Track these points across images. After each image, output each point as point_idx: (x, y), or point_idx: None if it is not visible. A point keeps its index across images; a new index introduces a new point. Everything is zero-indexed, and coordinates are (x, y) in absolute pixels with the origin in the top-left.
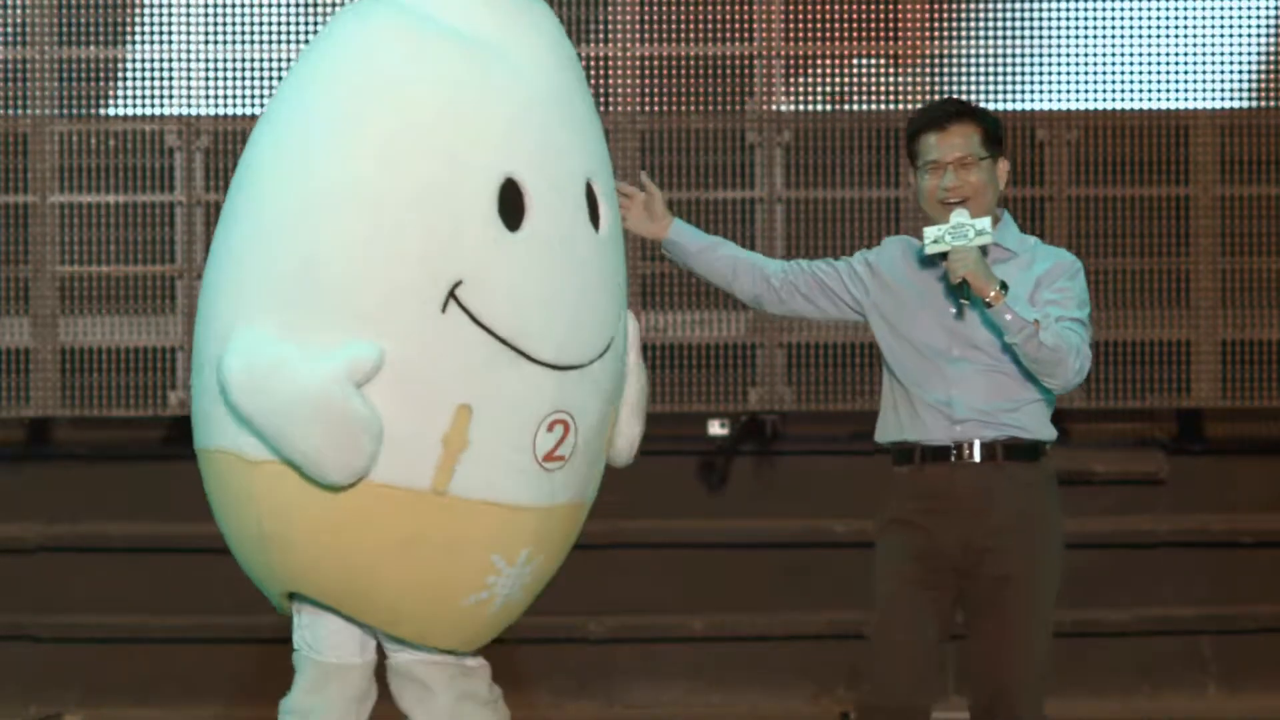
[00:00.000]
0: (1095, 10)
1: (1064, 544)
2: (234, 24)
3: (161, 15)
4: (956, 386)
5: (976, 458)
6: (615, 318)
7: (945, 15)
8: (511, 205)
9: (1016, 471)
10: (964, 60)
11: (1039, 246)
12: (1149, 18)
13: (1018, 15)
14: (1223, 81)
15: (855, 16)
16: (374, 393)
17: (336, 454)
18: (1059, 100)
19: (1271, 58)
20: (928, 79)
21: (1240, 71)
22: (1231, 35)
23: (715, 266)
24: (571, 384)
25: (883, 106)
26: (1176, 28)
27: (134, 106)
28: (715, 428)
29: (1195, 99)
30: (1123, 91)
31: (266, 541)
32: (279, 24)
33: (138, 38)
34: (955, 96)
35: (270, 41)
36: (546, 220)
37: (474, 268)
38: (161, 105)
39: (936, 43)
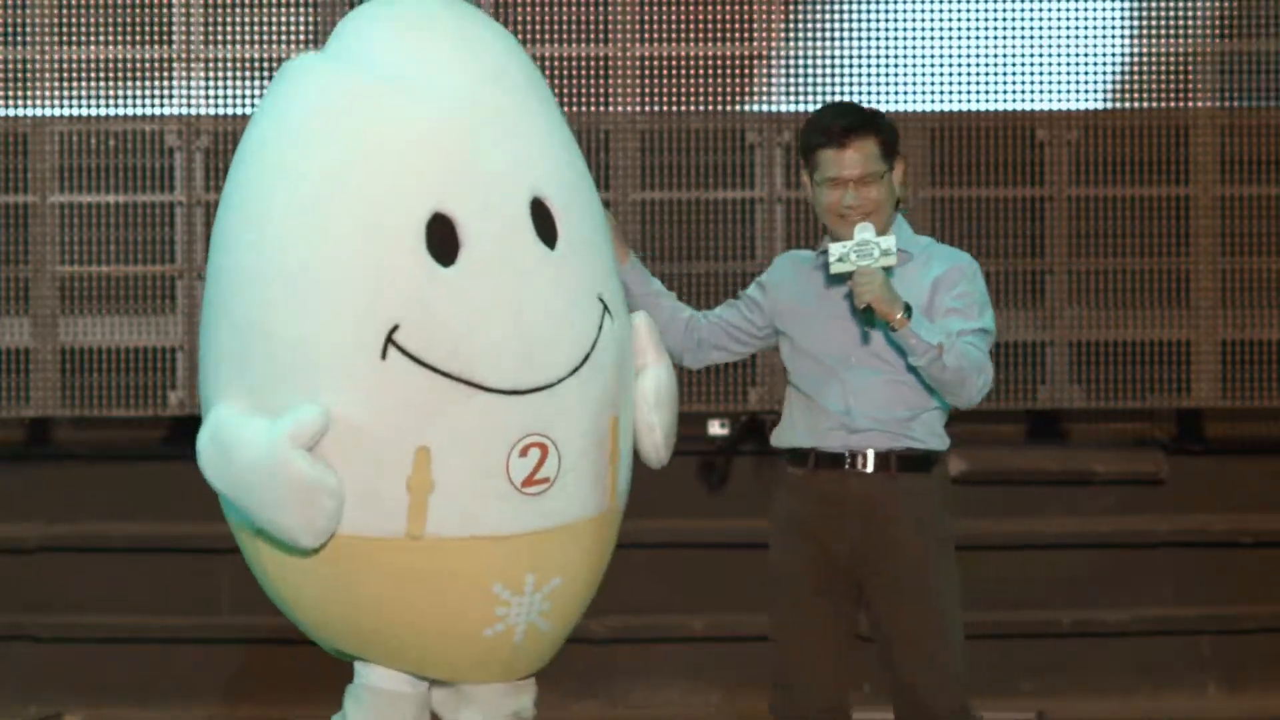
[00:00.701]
0: (1096, 10)
1: (955, 547)
2: (234, 24)
3: (161, 15)
4: (855, 395)
5: (870, 467)
6: (589, 329)
7: (945, 15)
8: (442, 240)
9: (908, 482)
10: (964, 60)
11: (933, 246)
12: (1149, 17)
13: (1018, 15)
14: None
15: (855, 16)
16: (329, 450)
17: (296, 519)
18: (1059, 100)
19: (1272, 58)
20: (928, 79)
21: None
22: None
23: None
24: (540, 405)
25: (882, 106)
26: (1178, 27)
27: (134, 106)
28: (715, 428)
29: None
30: (1124, 91)
31: (282, 605)
32: (279, 24)
33: (138, 38)
34: (848, 101)
35: (270, 41)
36: (483, 248)
37: (409, 309)
38: (161, 105)
39: (936, 42)
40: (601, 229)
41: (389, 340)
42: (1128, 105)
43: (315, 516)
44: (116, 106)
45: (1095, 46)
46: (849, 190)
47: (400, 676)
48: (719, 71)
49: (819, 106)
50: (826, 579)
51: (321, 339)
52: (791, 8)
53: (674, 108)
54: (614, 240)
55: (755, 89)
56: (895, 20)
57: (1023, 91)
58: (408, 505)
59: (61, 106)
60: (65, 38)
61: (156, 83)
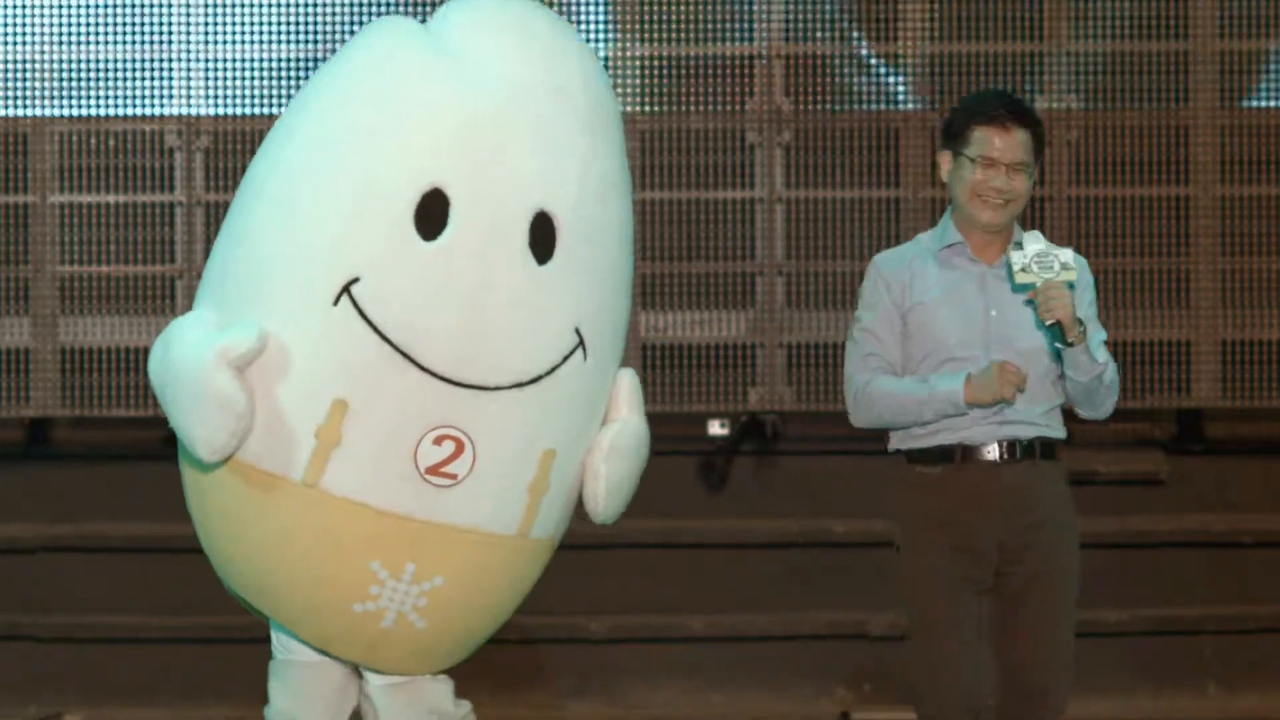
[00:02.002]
0: (1095, 9)
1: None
2: (234, 24)
3: (161, 15)
4: None
5: (1018, 456)
6: (551, 354)
7: (945, 14)
8: (433, 215)
9: (1049, 470)
10: (964, 60)
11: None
12: (1149, 17)
13: (1018, 15)
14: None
15: (855, 16)
16: (257, 374)
17: (201, 429)
18: (1059, 100)
19: (1271, 58)
20: (928, 78)
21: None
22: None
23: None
24: (469, 403)
25: (883, 106)
26: (1178, 27)
27: (134, 106)
28: (715, 428)
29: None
30: (1124, 91)
31: (199, 534)
32: (279, 24)
33: (138, 38)
34: (1008, 93)
35: (270, 41)
36: (469, 237)
37: (375, 268)
38: (161, 105)
39: (936, 43)
40: (610, 271)
41: (345, 289)
42: (1128, 105)
43: (216, 433)
44: (116, 106)
45: (1095, 46)
46: (1001, 173)
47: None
48: (719, 71)
49: (823, 108)
50: (972, 573)
51: (287, 268)
52: (792, 7)
53: (674, 108)
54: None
55: (755, 89)
56: (895, 20)
57: (1023, 92)
58: (312, 450)
59: (61, 106)
60: (65, 38)
61: (156, 83)
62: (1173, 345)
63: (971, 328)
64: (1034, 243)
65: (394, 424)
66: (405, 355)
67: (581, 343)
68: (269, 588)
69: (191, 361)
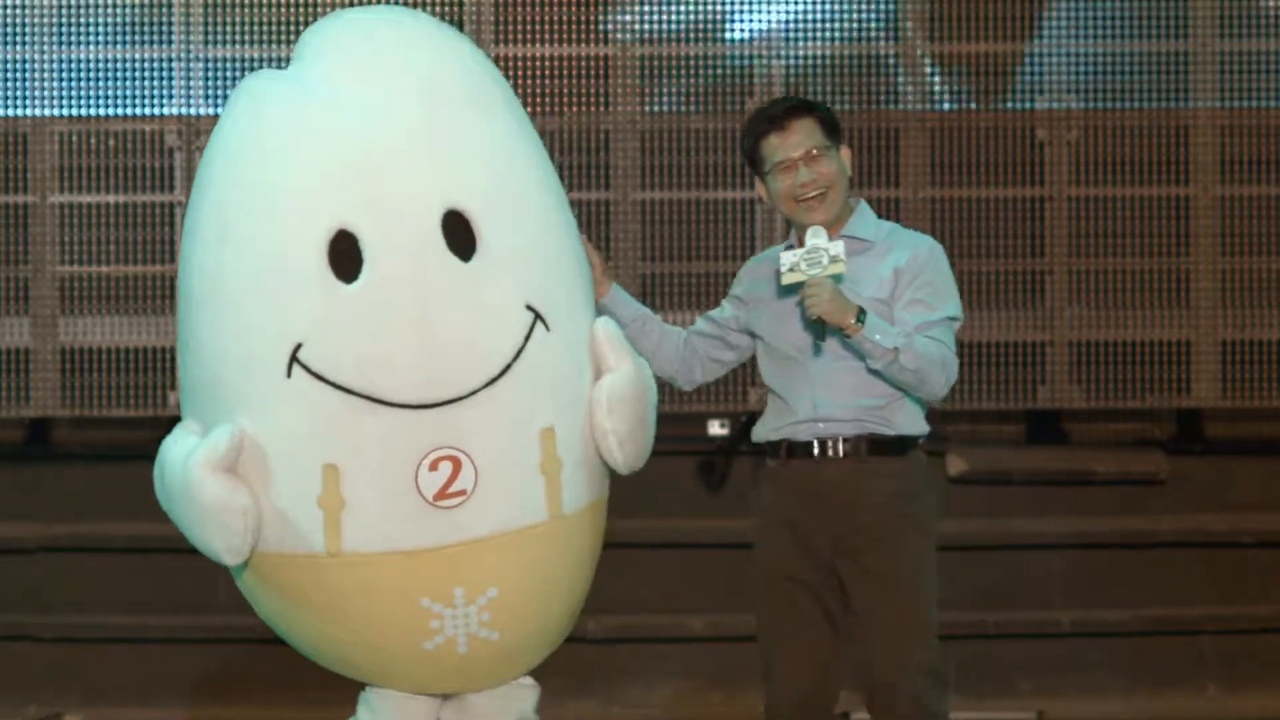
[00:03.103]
0: (1095, 9)
1: (937, 538)
2: (234, 24)
3: (161, 15)
4: (821, 386)
5: (841, 454)
6: (510, 339)
7: (945, 14)
8: (346, 256)
9: (879, 465)
10: (964, 60)
11: (897, 233)
12: (1149, 17)
13: (1018, 14)
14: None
15: (855, 16)
16: (246, 469)
17: (214, 538)
18: (1059, 100)
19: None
20: (928, 78)
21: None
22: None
23: (639, 343)
24: (451, 418)
25: (882, 106)
26: (1178, 27)
27: (134, 106)
28: (715, 428)
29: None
30: (1124, 91)
31: (282, 635)
32: (279, 24)
33: (138, 38)
34: (777, 97)
35: (270, 41)
36: (387, 264)
37: (312, 327)
38: (161, 105)
39: (936, 43)
40: (544, 238)
41: (293, 358)
42: (1128, 105)
43: (230, 536)
44: (116, 106)
45: (1095, 46)
46: (800, 169)
47: None
48: (719, 72)
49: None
50: (808, 570)
51: (232, 358)
52: (791, 8)
53: (674, 108)
54: (594, 272)
55: (755, 89)
56: (895, 20)
57: (1023, 92)
58: (322, 522)
59: (61, 106)
60: (65, 38)
61: (156, 83)
62: (1172, 345)
63: (798, 325)
64: (814, 237)
65: (387, 467)
66: (372, 399)
67: (538, 316)
68: (346, 656)
69: (181, 479)
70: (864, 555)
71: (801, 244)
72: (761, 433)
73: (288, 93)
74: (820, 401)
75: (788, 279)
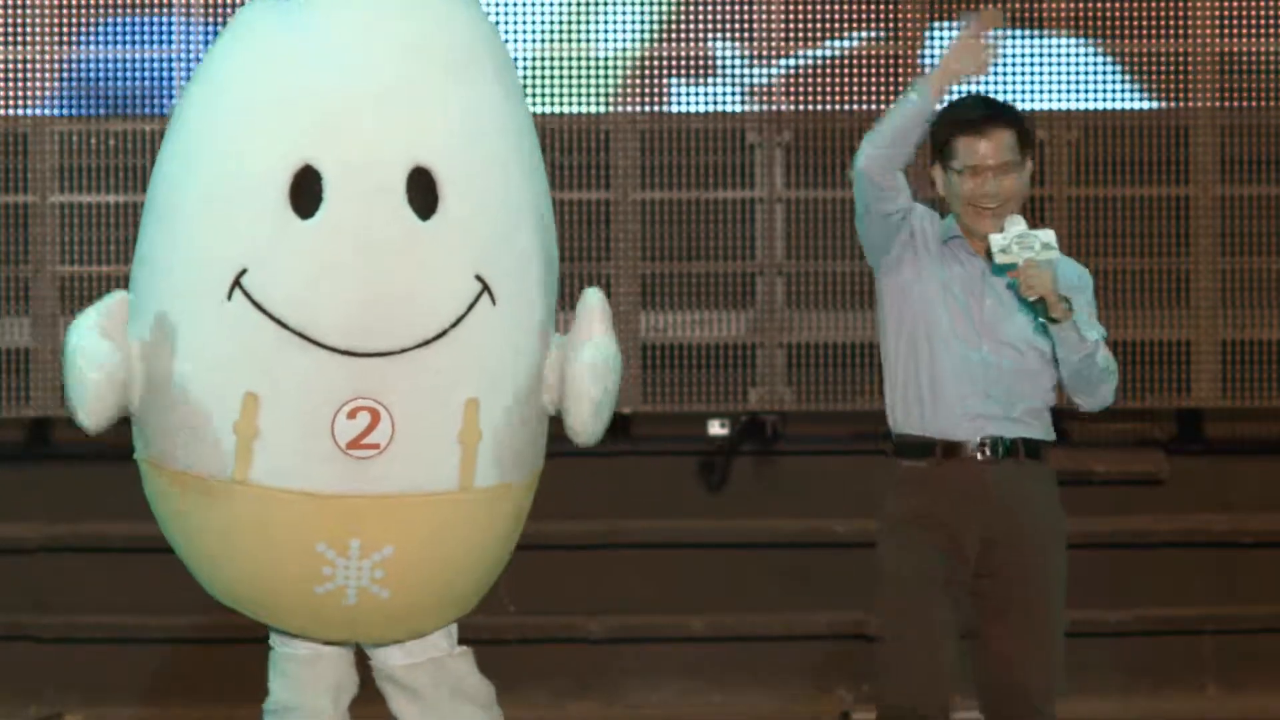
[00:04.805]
0: (1096, 9)
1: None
2: None
3: (162, 15)
4: (984, 383)
5: (1001, 455)
6: (453, 305)
7: (945, 14)
8: (307, 192)
9: (1035, 470)
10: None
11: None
12: (1149, 17)
13: (1018, 14)
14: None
15: (855, 15)
16: (170, 381)
17: (72, 388)
18: (1059, 100)
19: (1271, 58)
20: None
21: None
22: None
23: (916, 134)
24: (377, 371)
25: (883, 106)
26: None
27: (134, 106)
28: (715, 428)
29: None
30: (1124, 91)
31: (179, 555)
32: None
33: (137, 38)
34: (984, 95)
35: None
36: (344, 207)
37: (260, 255)
38: (162, 105)
39: (936, 42)
40: (507, 212)
41: (236, 283)
42: (1128, 105)
43: (83, 389)
44: (116, 106)
45: (1097, 46)
46: (989, 179)
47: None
48: (719, 75)
49: (823, 108)
50: (950, 573)
51: (181, 276)
52: (793, 7)
53: (674, 108)
54: (980, 55)
55: (755, 89)
56: (896, 19)
57: (1023, 92)
58: (234, 447)
59: (61, 106)
60: (65, 38)
61: (156, 83)
62: (1172, 345)
63: (964, 318)
64: (1015, 225)
65: (306, 406)
66: (303, 336)
67: (486, 288)
68: (232, 587)
69: (71, 340)
70: (1022, 558)
71: (996, 231)
72: (910, 424)
73: (280, 24)
74: (987, 397)
75: (1001, 259)
